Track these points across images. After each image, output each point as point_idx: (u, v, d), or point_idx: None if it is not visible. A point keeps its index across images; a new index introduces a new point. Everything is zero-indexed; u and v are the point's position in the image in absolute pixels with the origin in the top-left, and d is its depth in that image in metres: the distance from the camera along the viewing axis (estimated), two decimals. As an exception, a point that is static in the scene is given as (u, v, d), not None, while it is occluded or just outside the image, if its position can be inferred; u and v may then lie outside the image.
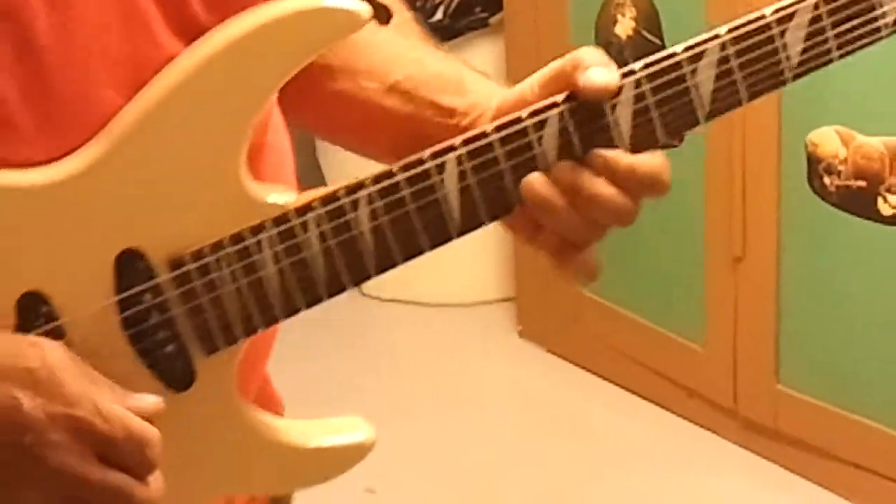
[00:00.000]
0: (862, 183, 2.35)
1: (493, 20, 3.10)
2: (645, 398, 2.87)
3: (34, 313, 0.95)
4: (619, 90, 1.00)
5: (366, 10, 0.98)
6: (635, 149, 1.01)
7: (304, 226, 0.98)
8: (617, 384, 2.93)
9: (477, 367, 3.07)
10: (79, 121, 0.96)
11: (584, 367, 2.99)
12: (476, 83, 1.11)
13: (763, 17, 1.01)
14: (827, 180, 2.40)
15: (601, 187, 1.01)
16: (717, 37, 1.01)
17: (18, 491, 0.91)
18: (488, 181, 1.00)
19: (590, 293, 2.91)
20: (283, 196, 1.00)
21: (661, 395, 2.84)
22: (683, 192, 2.64)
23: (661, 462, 2.73)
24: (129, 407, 0.93)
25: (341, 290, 1.00)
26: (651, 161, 1.02)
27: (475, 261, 3.21)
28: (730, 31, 1.01)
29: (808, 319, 2.55)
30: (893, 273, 2.38)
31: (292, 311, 1.00)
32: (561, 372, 3.01)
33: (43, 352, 0.92)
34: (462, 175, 0.99)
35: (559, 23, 2.82)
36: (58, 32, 0.94)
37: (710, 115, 1.02)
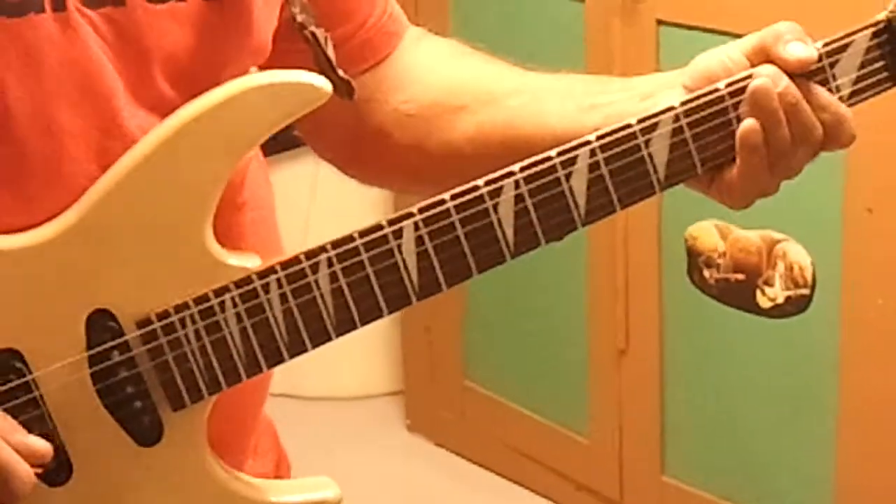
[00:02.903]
0: (740, 276, 2.38)
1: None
2: (533, 491, 2.87)
3: (7, 368, 1.00)
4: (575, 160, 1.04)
5: (326, 84, 1.03)
6: (590, 217, 1.05)
7: (266, 287, 1.02)
8: (505, 477, 2.93)
9: (366, 460, 3.06)
10: (52, 190, 1.00)
11: (472, 461, 2.99)
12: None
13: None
14: (706, 273, 2.42)
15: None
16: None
17: None
18: (445, 247, 1.03)
19: (476, 386, 2.92)
20: (248, 260, 1.04)
21: (550, 488, 2.84)
22: (566, 285, 2.66)
23: (549, 555, 2.73)
24: (15, 442, 0.97)
25: (302, 351, 1.04)
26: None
27: (363, 354, 3.21)
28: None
29: (691, 411, 2.57)
30: (774, 364, 2.41)
31: (255, 371, 1.04)
32: (450, 465, 3.00)
33: None
34: (419, 240, 1.03)
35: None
36: (29, 104, 0.99)
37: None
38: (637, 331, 2.59)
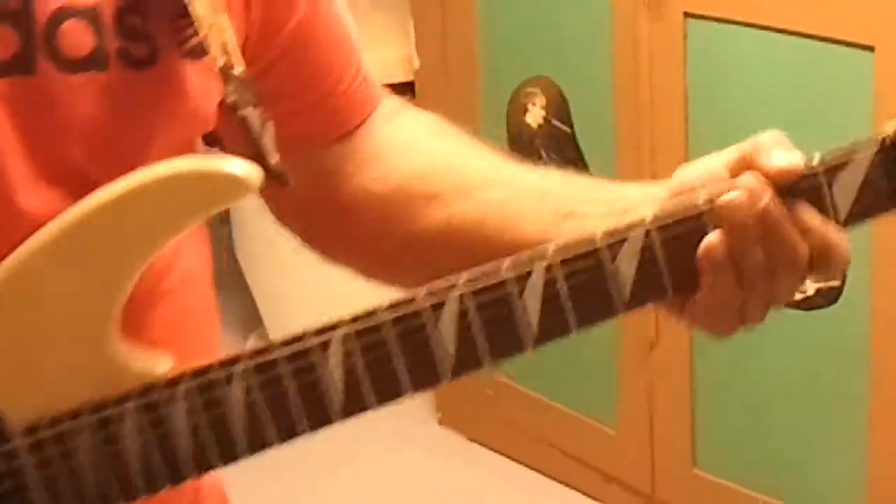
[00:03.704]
0: (770, 268, 2.38)
1: (406, 110, 3.11)
2: (564, 483, 2.87)
3: None
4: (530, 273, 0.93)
5: (256, 175, 0.91)
6: (541, 338, 0.95)
7: (172, 398, 0.91)
8: (536, 470, 2.93)
9: (397, 454, 3.06)
10: None
11: (503, 454, 2.99)
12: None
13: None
14: (736, 266, 2.43)
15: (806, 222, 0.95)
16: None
17: None
18: (376, 364, 0.92)
19: (506, 379, 2.92)
20: (158, 363, 0.93)
21: (580, 481, 2.84)
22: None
23: (580, 548, 2.73)
24: None
25: (209, 468, 0.93)
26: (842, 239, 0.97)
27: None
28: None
29: (723, 403, 2.57)
30: (806, 356, 2.41)
31: (154, 489, 0.92)
32: (481, 459, 3.00)
33: None
34: (347, 354, 0.92)
35: (470, 112, 2.85)
36: None
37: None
38: (667, 323, 2.58)
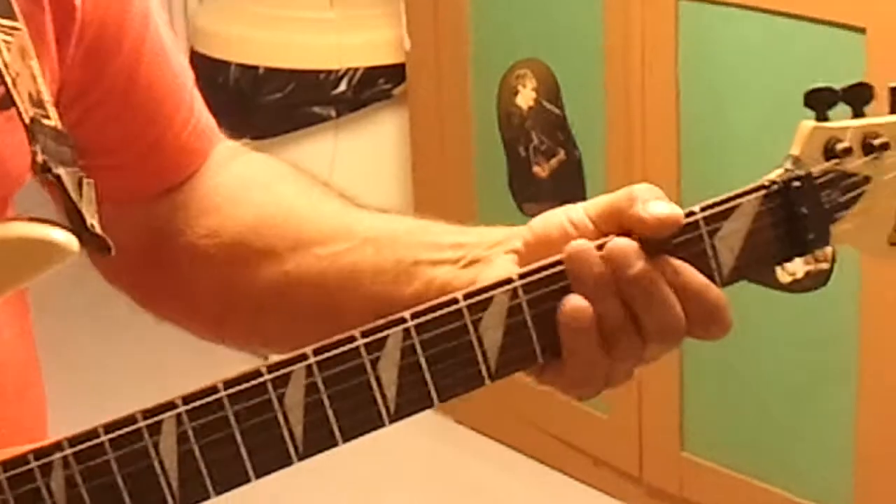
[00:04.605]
0: (760, 251, 2.38)
1: (396, 91, 3.11)
2: (551, 466, 2.87)
3: None
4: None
5: (72, 241, 0.84)
6: (399, 413, 0.88)
7: None
8: (523, 453, 2.93)
9: (389, 438, 3.05)
10: None
11: (491, 437, 2.99)
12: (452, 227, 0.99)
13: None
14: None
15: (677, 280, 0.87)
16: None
17: None
18: (215, 446, 0.83)
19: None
20: None
21: (568, 464, 2.84)
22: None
23: (568, 531, 2.73)
24: None
25: None
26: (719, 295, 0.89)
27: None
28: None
29: (711, 387, 2.57)
30: (793, 339, 2.41)
31: None
32: (470, 442, 3.00)
33: None
34: (182, 438, 0.82)
35: (461, 94, 2.84)
36: None
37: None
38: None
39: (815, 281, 2.35)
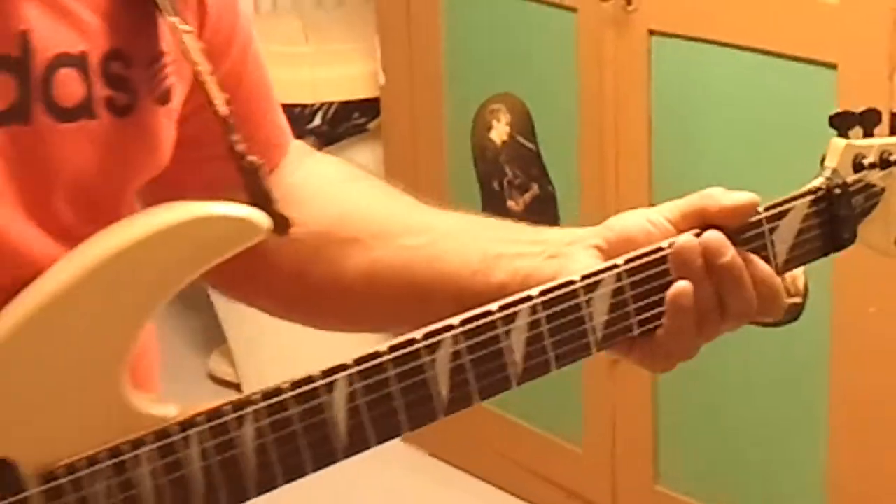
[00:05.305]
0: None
1: (371, 125, 3.12)
2: (525, 499, 2.87)
3: None
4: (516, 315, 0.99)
5: (263, 219, 0.94)
6: (525, 377, 1.00)
7: (186, 441, 0.92)
8: (498, 486, 2.93)
9: (359, 470, 3.05)
10: None
11: (465, 470, 2.99)
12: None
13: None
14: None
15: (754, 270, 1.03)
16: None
17: None
18: (378, 403, 0.96)
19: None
20: (166, 408, 0.94)
21: (541, 497, 2.84)
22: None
23: (542, 564, 2.72)
24: None
25: None
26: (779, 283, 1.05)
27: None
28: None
29: (684, 420, 2.58)
30: (768, 373, 2.42)
31: None
32: (444, 475, 3.00)
33: None
34: (351, 396, 0.95)
35: (435, 128, 2.85)
36: None
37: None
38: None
39: (789, 315, 2.36)
